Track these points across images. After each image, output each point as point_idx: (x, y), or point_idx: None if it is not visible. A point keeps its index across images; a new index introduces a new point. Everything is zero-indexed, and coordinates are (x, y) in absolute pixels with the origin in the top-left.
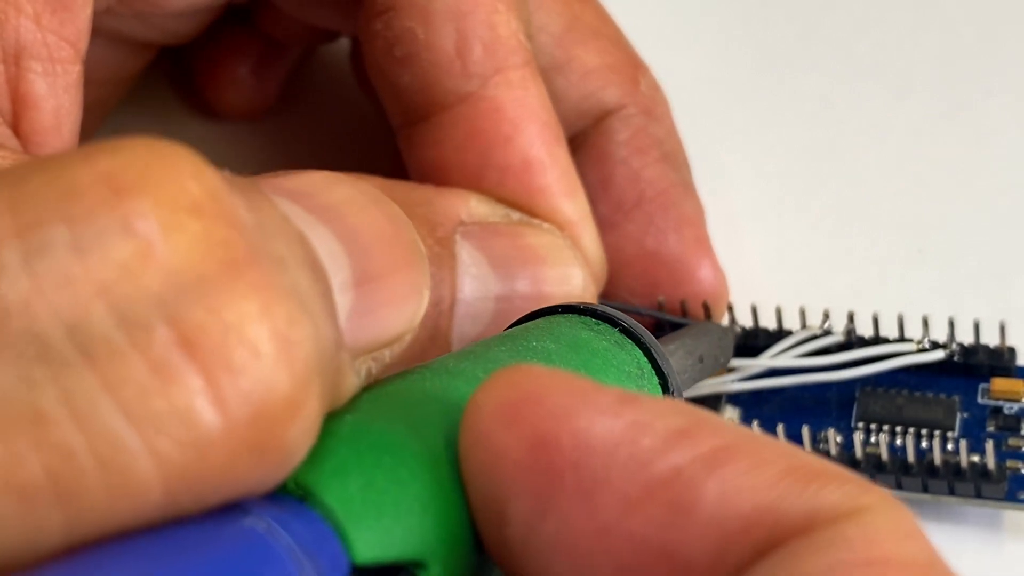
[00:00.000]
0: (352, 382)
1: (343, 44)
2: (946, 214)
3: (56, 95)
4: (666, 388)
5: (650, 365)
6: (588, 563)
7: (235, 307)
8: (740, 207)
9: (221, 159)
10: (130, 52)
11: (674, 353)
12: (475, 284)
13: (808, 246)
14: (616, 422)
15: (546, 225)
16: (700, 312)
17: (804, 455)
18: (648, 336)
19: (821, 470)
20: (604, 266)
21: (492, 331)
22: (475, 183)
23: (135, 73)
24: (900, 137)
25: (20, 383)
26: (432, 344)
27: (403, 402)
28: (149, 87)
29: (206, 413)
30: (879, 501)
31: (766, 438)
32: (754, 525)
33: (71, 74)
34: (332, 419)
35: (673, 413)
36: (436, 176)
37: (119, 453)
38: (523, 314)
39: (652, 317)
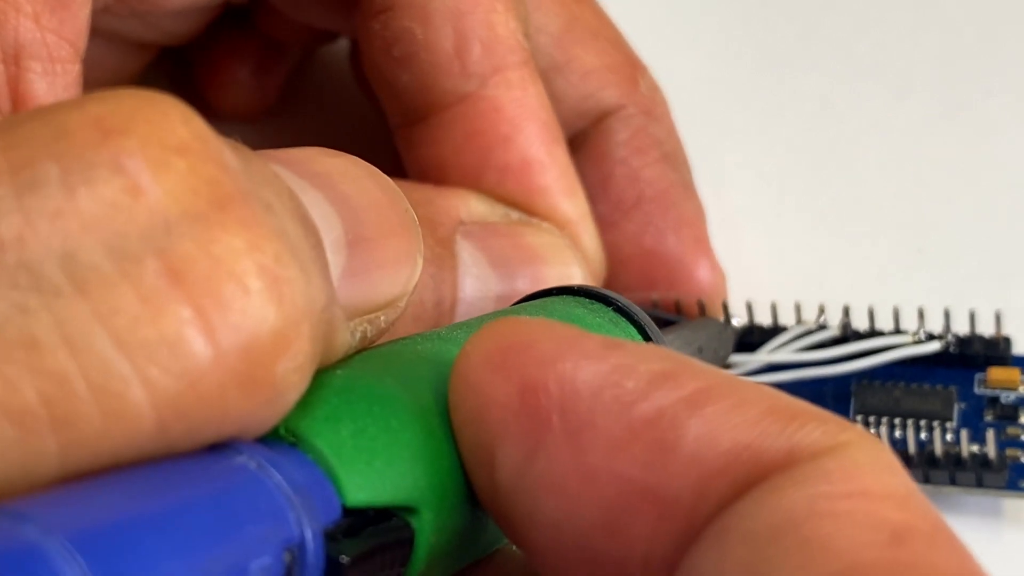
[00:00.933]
0: (345, 339)
1: (343, 45)
2: (945, 214)
3: (56, 94)
4: None
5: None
6: (575, 504)
7: (223, 241)
8: (740, 207)
9: None
10: (129, 52)
11: (671, 343)
12: (476, 284)
13: (808, 246)
14: (601, 366)
15: (545, 224)
16: (695, 311)
17: (785, 397)
18: (642, 315)
19: (801, 410)
20: (603, 265)
21: None
22: (474, 183)
23: (135, 73)
24: (900, 137)
25: (14, 311)
26: None
27: (395, 361)
28: (149, 87)
29: (195, 343)
30: (858, 437)
31: (747, 382)
32: (735, 462)
33: (71, 73)
34: (324, 373)
35: (656, 357)
36: (435, 176)
37: (111, 380)
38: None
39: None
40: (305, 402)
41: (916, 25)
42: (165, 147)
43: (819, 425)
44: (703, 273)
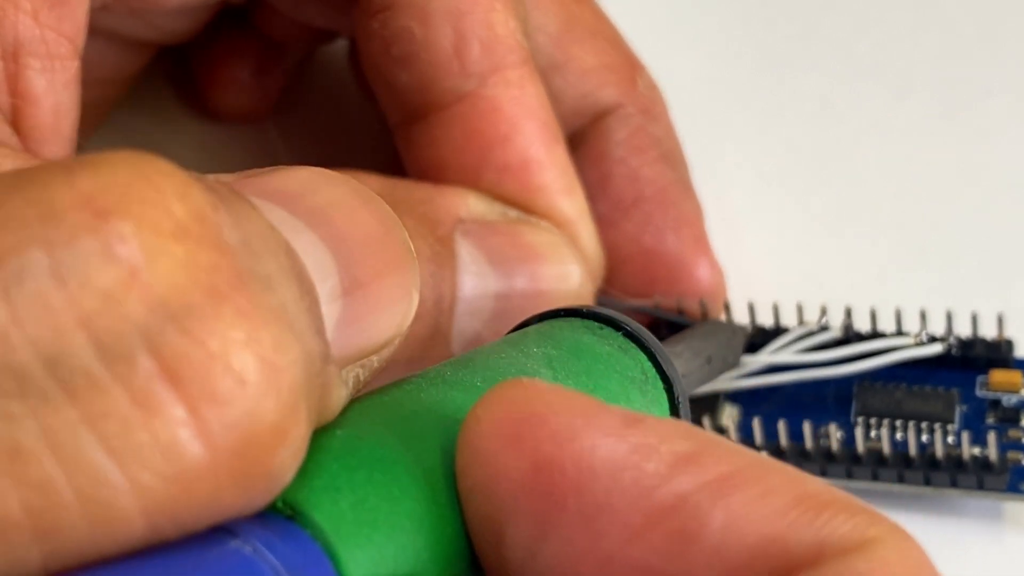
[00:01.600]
0: (340, 394)
1: (342, 45)
2: (946, 214)
3: (55, 92)
4: (671, 393)
5: (655, 370)
6: None
7: (220, 335)
8: (740, 207)
9: (221, 159)
10: (128, 51)
11: (680, 355)
12: (475, 282)
13: (808, 246)
14: (620, 445)
15: (543, 223)
16: (696, 311)
17: (813, 483)
18: (653, 340)
19: (830, 500)
20: (602, 264)
21: (491, 329)
22: (473, 182)
23: (134, 73)
24: (900, 137)
25: None
26: (432, 342)
27: (396, 414)
28: (149, 87)
29: (190, 445)
30: (889, 533)
31: (775, 464)
32: (761, 556)
33: (69, 70)
34: (322, 433)
35: (679, 436)
36: (434, 175)
37: (101, 488)
38: (521, 311)
39: (649, 315)
40: (303, 469)
41: (916, 25)
42: (161, 232)
43: (849, 518)
44: (703, 272)
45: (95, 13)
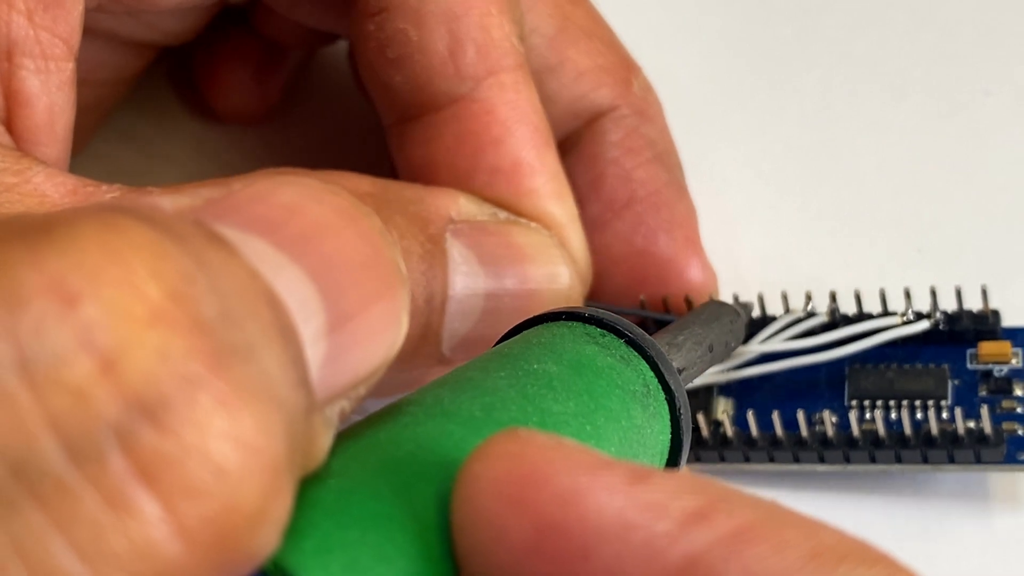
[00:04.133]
0: (325, 439)
1: (343, 46)
2: (944, 214)
3: (49, 92)
4: (672, 405)
5: (656, 381)
6: None
7: (197, 426)
8: (738, 207)
9: (221, 160)
10: (127, 53)
11: (682, 346)
12: (465, 281)
13: (807, 246)
14: (628, 504)
15: (533, 224)
16: (683, 307)
17: (828, 534)
18: (655, 348)
19: (847, 552)
20: (590, 268)
21: (482, 328)
22: (465, 183)
23: (134, 75)
24: (898, 137)
25: None
26: (423, 341)
27: (391, 456)
28: (150, 89)
29: (167, 544)
30: None
31: (788, 515)
32: None
33: (64, 71)
34: (311, 483)
35: (689, 492)
36: (426, 175)
37: None
38: (512, 311)
39: (637, 316)
40: (293, 526)
41: (914, 25)
42: (134, 319)
43: (868, 569)
44: (694, 273)
45: (91, 14)
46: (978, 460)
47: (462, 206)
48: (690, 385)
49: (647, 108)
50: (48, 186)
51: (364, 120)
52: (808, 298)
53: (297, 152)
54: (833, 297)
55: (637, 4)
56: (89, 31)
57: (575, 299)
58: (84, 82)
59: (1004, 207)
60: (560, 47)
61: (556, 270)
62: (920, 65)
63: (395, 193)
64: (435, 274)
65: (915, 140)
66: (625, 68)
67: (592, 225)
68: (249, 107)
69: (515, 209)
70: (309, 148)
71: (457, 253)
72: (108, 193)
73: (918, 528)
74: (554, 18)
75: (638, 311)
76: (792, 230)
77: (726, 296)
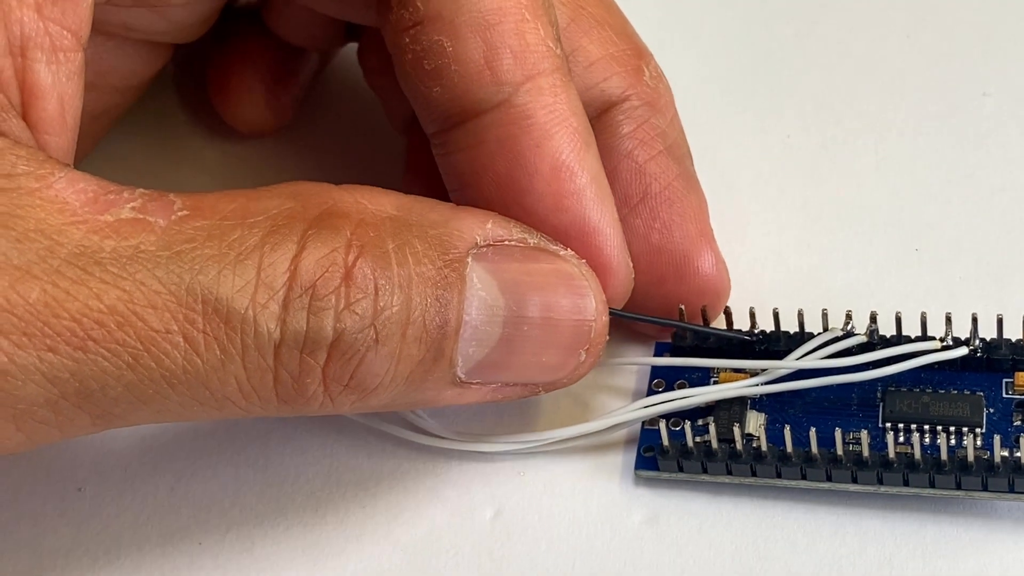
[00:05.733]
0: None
1: (353, 59)
2: (943, 213)
3: (59, 83)
4: None
5: None
6: None
7: None
8: (738, 207)
9: (233, 174)
10: (137, 55)
11: None
12: (483, 307)
13: (806, 245)
14: None
15: (566, 252)
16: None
17: None
18: None
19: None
20: (630, 274)
21: (498, 354)
22: (506, 187)
23: (144, 81)
24: (897, 137)
25: None
26: (435, 365)
27: None
28: (158, 99)
29: None
30: None
31: None
32: None
33: (73, 62)
34: None
35: None
36: (470, 181)
37: None
38: (532, 340)
39: (672, 327)
40: None
41: (913, 26)
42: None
43: None
44: (706, 265)
45: (103, 8)
46: (1012, 489)
47: (489, 229)
48: (713, 397)
49: (658, 98)
50: (69, 193)
51: (375, 126)
52: (848, 318)
53: (308, 159)
54: (873, 318)
55: (638, 4)
56: (100, 29)
57: (600, 331)
58: (93, 86)
59: (1001, 207)
60: (572, 37)
61: (582, 302)
62: (919, 66)
63: (419, 215)
64: (450, 298)
65: (914, 140)
66: (636, 56)
67: None
68: (263, 121)
69: (555, 212)
70: (321, 155)
71: (477, 278)
72: (129, 203)
73: (949, 551)
74: (567, 7)
75: (675, 322)
76: (790, 229)
77: (734, 298)
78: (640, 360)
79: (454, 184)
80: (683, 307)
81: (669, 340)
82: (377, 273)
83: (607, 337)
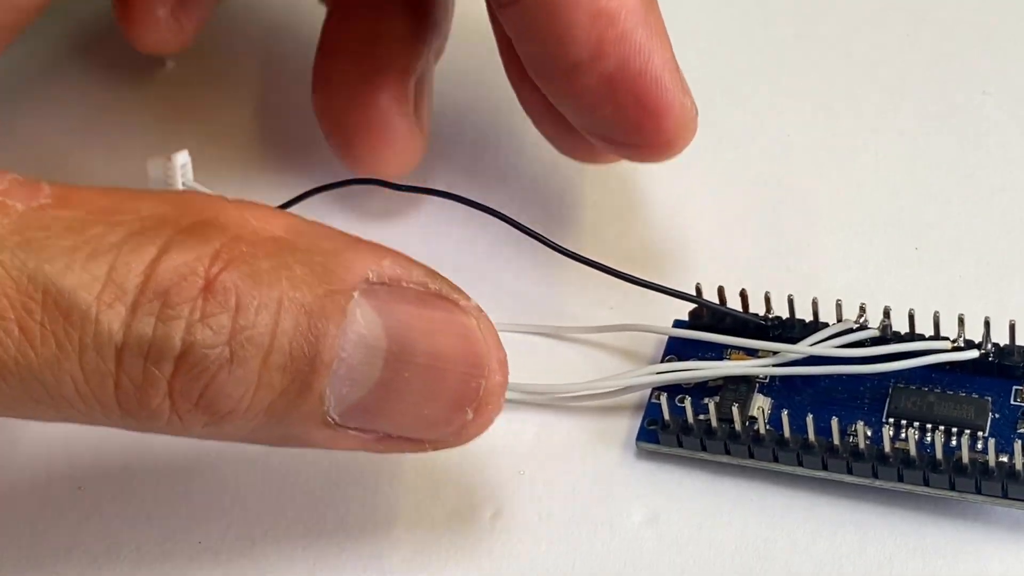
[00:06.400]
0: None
1: None
2: (942, 213)
3: None
4: None
5: None
6: None
7: None
8: (738, 207)
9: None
10: None
11: None
12: (362, 345)
13: (805, 245)
14: None
15: (467, 302)
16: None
17: None
18: None
19: None
20: (688, 113)
21: (373, 400)
22: (567, 30)
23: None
24: (897, 137)
25: None
26: (301, 398)
27: None
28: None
29: None
30: None
31: None
32: None
33: None
34: None
35: None
36: (517, 36)
37: None
38: (413, 388)
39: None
40: None
41: (913, 26)
42: None
43: None
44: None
45: None
46: (1005, 495)
47: (386, 267)
48: (730, 372)
49: None
50: None
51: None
52: (862, 310)
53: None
54: (887, 313)
55: None
56: None
57: (491, 390)
58: None
59: (1001, 207)
60: None
61: (474, 357)
62: (919, 66)
63: (309, 242)
64: (324, 330)
65: (913, 140)
66: None
67: (573, 72)
68: (166, 43)
69: (598, 61)
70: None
71: (361, 314)
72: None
73: (950, 551)
74: None
75: (694, 297)
76: (790, 229)
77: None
78: (655, 327)
79: (524, 46)
80: (699, 284)
81: (686, 318)
82: (242, 290)
83: (502, 401)
